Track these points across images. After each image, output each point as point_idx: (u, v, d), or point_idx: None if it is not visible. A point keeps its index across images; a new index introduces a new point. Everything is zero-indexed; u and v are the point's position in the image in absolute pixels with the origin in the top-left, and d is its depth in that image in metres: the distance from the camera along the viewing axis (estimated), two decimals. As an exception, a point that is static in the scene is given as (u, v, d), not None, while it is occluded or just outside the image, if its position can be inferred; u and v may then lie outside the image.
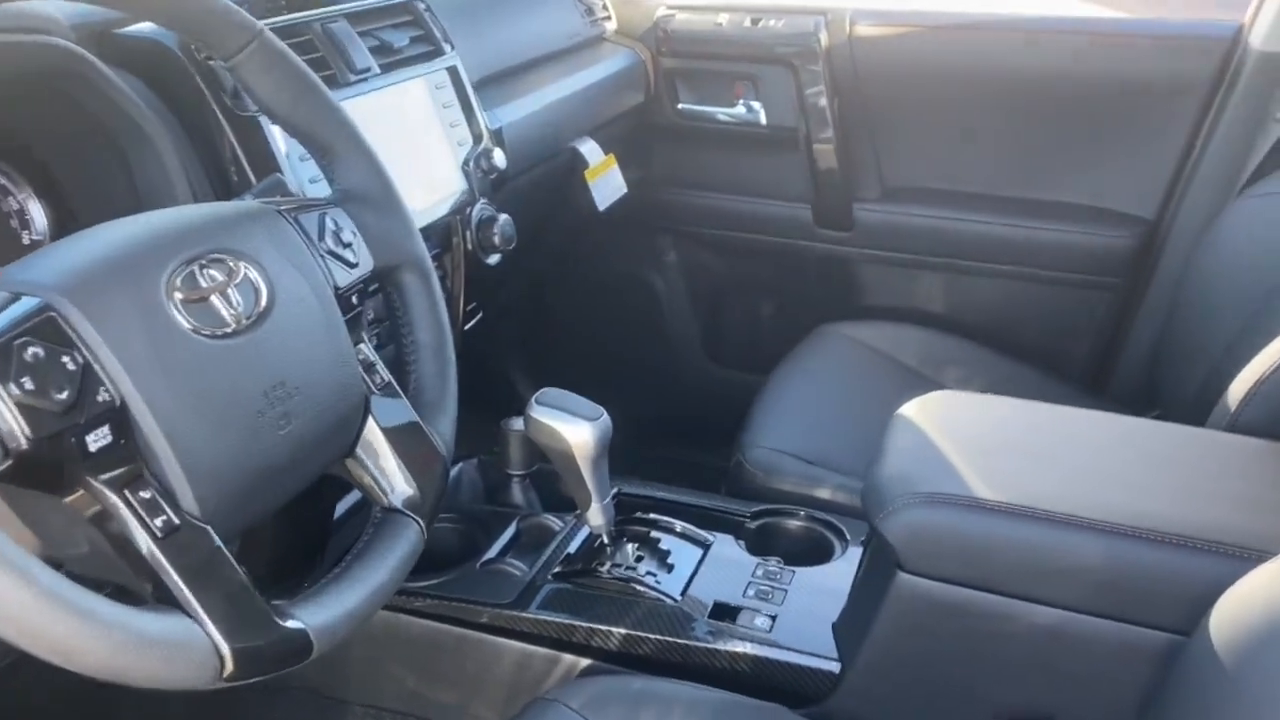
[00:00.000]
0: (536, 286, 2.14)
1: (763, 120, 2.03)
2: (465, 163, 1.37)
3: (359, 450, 0.86)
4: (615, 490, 1.43)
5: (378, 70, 1.25)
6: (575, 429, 1.20)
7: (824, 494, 1.42)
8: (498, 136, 1.48)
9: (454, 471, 1.50)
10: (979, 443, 1.13)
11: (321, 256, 0.84)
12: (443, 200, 1.33)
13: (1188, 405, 1.48)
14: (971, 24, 1.90)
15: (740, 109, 2.04)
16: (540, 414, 1.22)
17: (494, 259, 1.45)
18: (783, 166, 2.04)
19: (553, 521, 1.37)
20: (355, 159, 0.92)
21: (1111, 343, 1.89)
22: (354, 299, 0.87)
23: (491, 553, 1.31)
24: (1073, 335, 1.93)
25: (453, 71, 1.38)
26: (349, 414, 0.83)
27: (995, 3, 2.07)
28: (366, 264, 0.89)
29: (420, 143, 1.30)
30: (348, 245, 0.87)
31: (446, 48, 1.39)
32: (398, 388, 0.91)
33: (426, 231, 1.28)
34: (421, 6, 1.38)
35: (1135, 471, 1.09)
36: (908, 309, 1.99)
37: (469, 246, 1.41)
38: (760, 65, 1.99)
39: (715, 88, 2.06)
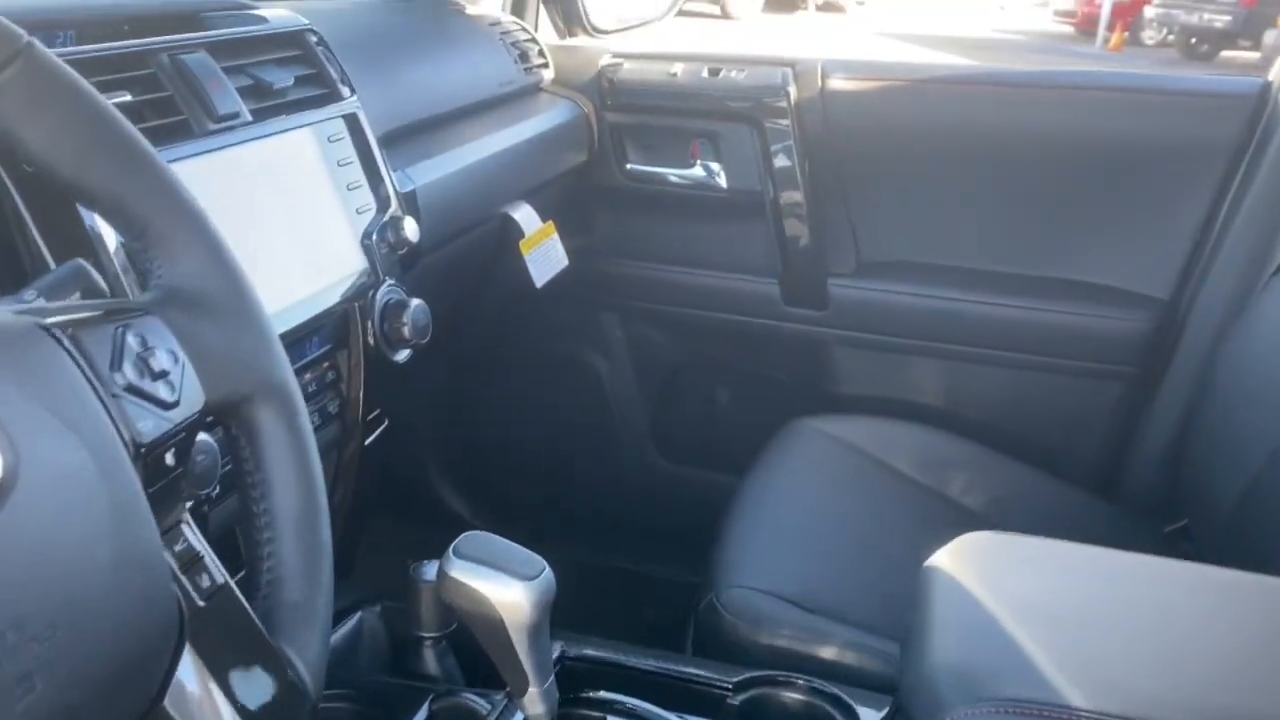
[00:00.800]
0: (456, 376, 1.83)
1: (722, 183, 1.77)
2: (367, 235, 1.08)
3: (169, 704, 0.55)
4: (558, 653, 1.12)
5: (248, 117, 0.95)
6: (507, 591, 0.90)
7: (828, 653, 1.13)
8: (410, 201, 1.19)
9: (351, 623, 1.18)
10: (1045, 610, 0.86)
11: (113, 397, 0.54)
12: (335, 284, 1.03)
13: (1222, 517, 1.25)
14: (962, 77, 1.68)
15: (697, 170, 1.78)
16: (460, 572, 0.92)
17: (403, 355, 1.15)
18: (745, 236, 1.78)
19: (477, 703, 1.06)
20: (183, 241, 0.62)
21: (1126, 440, 1.65)
22: (169, 457, 0.57)
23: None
24: (1081, 431, 1.68)
25: (352, 120, 1.09)
26: (147, 654, 0.52)
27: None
28: (194, 400, 0.59)
29: (305, 210, 1.00)
30: (162, 375, 0.57)
31: (345, 91, 1.10)
32: (238, 593, 0.60)
33: (314, 325, 0.98)
34: (313, 39, 1.09)
35: (1253, 654, 0.82)
36: (892, 401, 1.73)
37: (371, 341, 1.10)
38: (720, 121, 1.74)
39: (668, 146, 1.80)
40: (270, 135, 0.97)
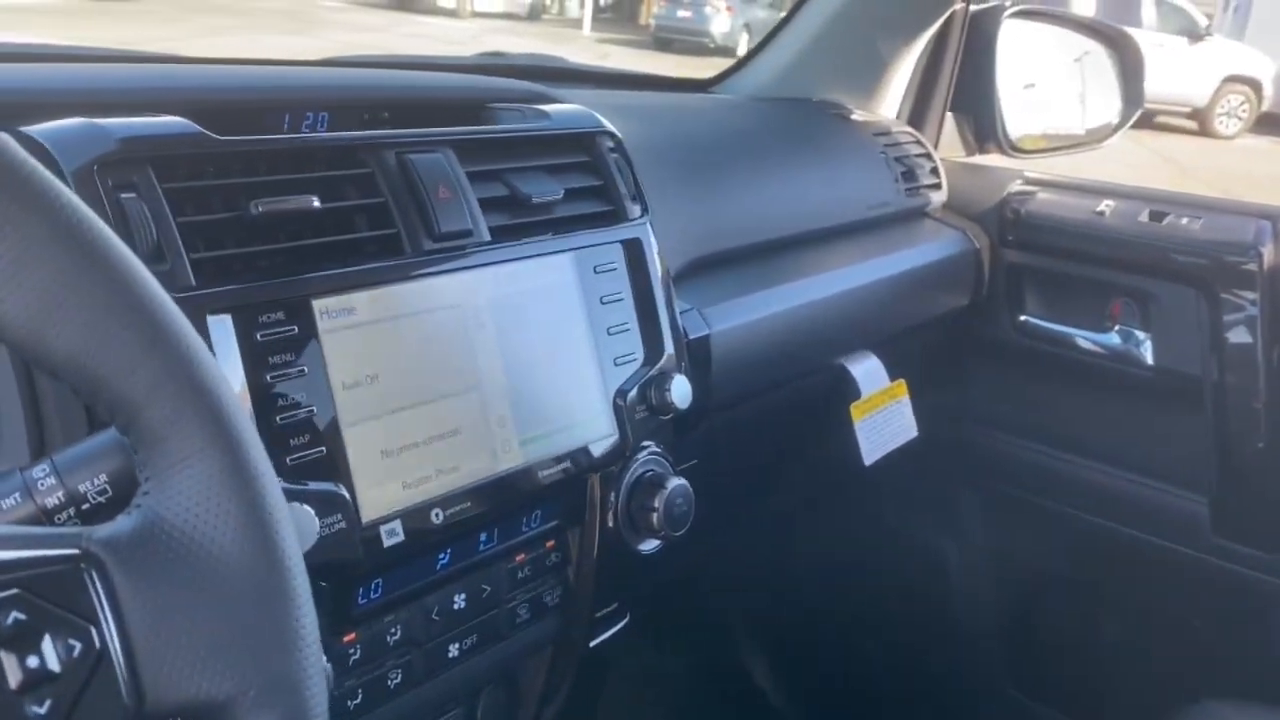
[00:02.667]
0: (758, 534, 1.54)
1: (1148, 358, 1.35)
2: (621, 393, 0.84)
3: None
4: None
5: (485, 235, 0.76)
6: None
7: None
8: (699, 350, 0.94)
9: None
10: None
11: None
12: (571, 447, 0.80)
13: None
14: None
15: (1114, 336, 1.38)
16: None
17: (649, 545, 0.89)
18: (1170, 431, 1.35)
19: None
20: (184, 449, 0.41)
21: None
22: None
23: None
24: None
25: (633, 248, 0.87)
26: None
27: None
28: (100, 710, 0.37)
29: (541, 355, 0.79)
30: (34, 684, 0.36)
31: (633, 210, 0.88)
32: None
33: (536, 495, 0.76)
34: (607, 144, 0.88)
35: None
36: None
37: (610, 523, 0.86)
38: (1156, 280, 1.33)
39: (1080, 301, 1.41)
40: (510, 260, 0.77)
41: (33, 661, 0.35)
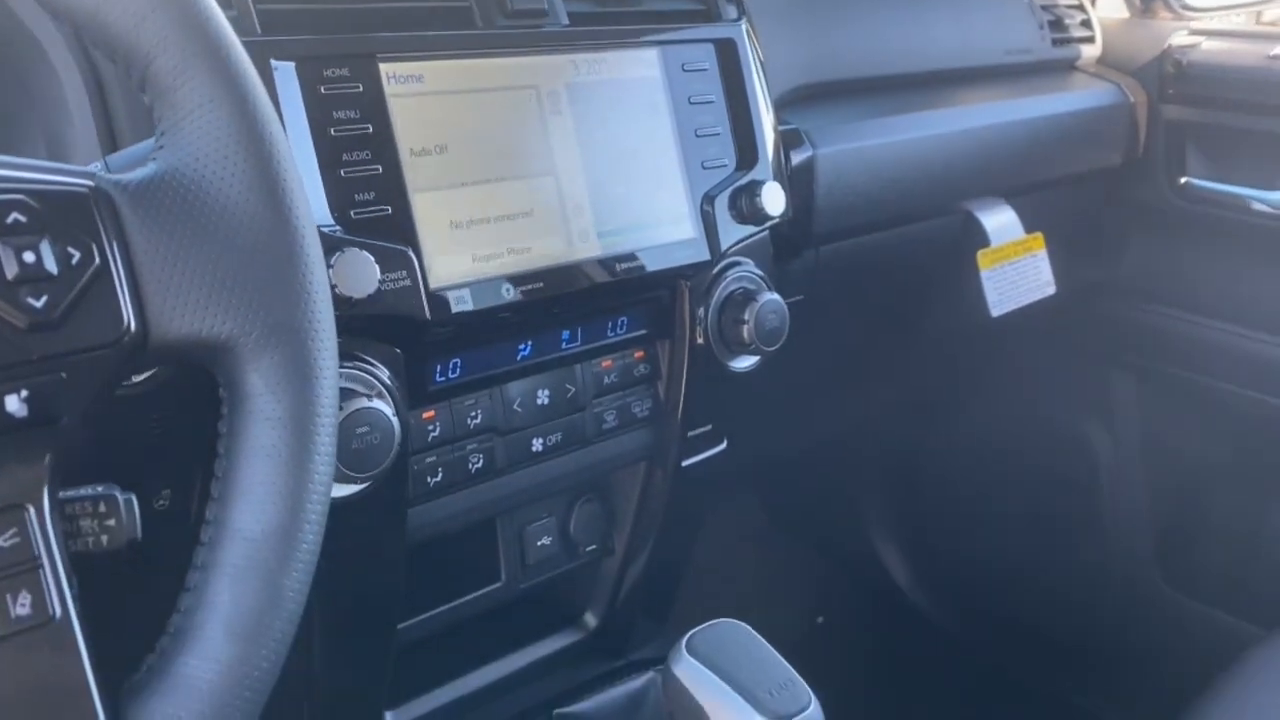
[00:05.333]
0: (896, 413, 1.48)
1: (1328, 218, 1.22)
2: (708, 198, 0.82)
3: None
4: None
5: (563, 19, 0.75)
6: (737, 722, 0.60)
7: None
8: (804, 173, 0.91)
9: (638, 683, 0.94)
10: None
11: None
12: (655, 251, 0.79)
13: None
14: None
15: (1289, 195, 1.25)
16: (686, 673, 0.64)
17: (742, 362, 0.87)
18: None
19: None
20: (194, 98, 0.42)
21: None
22: (11, 400, 0.37)
23: None
24: None
25: (726, 48, 0.84)
26: None
27: None
28: (100, 329, 0.39)
29: (622, 151, 0.77)
30: (33, 279, 0.38)
31: (729, 11, 0.85)
32: (78, 637, 0.38)
33: (618, 297, 0.76)
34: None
35: None
36: None
37: (700, 339, 0.85)
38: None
39: (1252, 159, 1.28)
40: (589, 48, 0.75)
41: (29, 257, 0.37)
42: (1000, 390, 1.48)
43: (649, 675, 0.95)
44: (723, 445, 0.93)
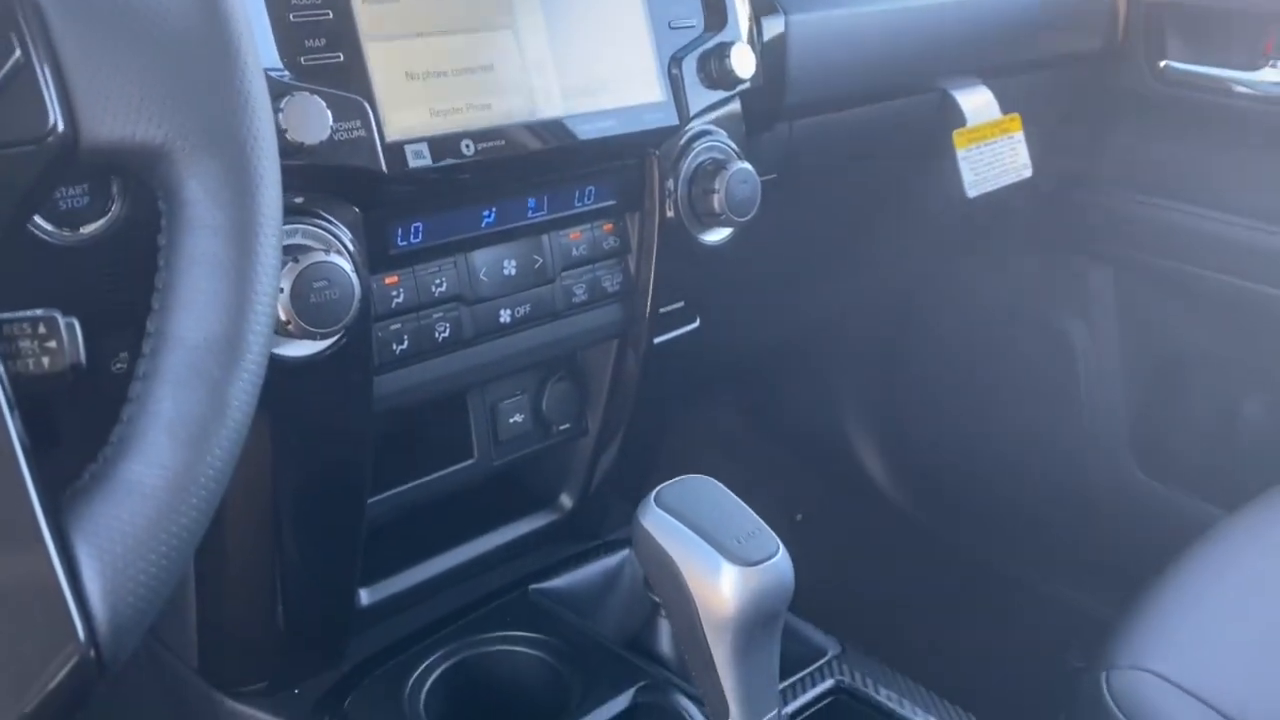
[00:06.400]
0: (869, 313, 1.47)
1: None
2: (676, 60, 0.79)
3: None
4: (830, 685, 0.79)
5: None
6: (708, 571, 0.61)
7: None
8: (775, 46, 0.89)
9: (616, 559, 0.95)
10: None
11: None
12: (621, 116, 0.77)
13: None
14: None
15: (1267, 74, 1.23)
16: (654, 525, 0.63)
17: (714, 235, 0.86)
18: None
19: (690, 712, 0.76)
20: None
21: None
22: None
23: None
24: None
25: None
26: None
27: None
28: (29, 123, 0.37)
29: (586, 8, 0.75)
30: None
31: None
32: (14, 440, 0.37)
33: (583, 163, 0.74)
34: None
35: None
36: None
37: (669, 211, 0.83)
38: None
39: (1232, 40, 1.27)
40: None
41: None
42: (978, 283, 1.48)
43: (624, 553, 0.95)
44: (695, 324, 0.93)
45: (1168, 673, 0.77)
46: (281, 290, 0.60)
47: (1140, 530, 1.37)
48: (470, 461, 0.86)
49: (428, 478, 0.84)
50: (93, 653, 0.36)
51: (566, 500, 0.96)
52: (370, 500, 0.79)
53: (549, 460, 0.95)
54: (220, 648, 0.80)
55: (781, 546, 0.62)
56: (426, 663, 0.80)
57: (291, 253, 0.61)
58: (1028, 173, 1.17)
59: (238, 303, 0.40)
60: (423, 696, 0.78)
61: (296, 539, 0.76)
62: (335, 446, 0.73)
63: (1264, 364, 1.34)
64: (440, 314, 0.75)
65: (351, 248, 0.65)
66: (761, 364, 1.54)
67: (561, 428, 0.91)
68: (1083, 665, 0.82)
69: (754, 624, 0.61)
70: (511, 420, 0.87)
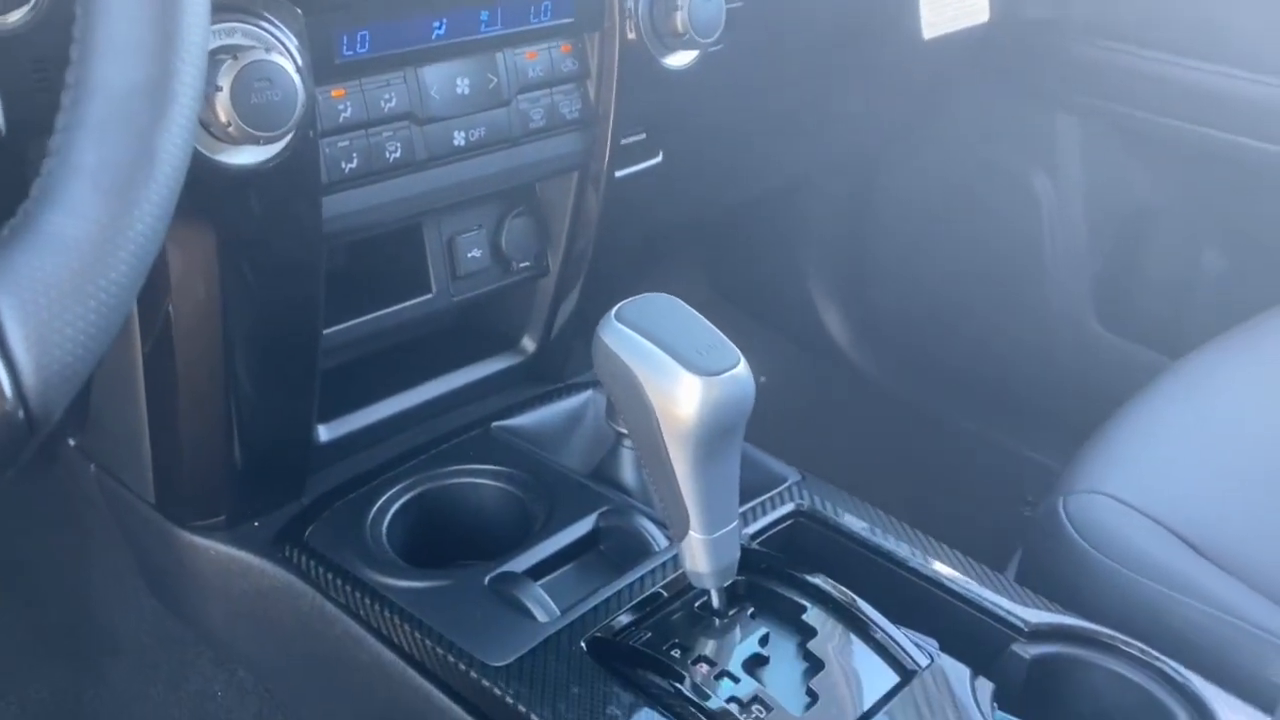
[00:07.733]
0: (827, 157, 1.44)
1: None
2: None
3: None
4: (791, 510, 0.79)
5: None
6: (668, 381, 0.59)
7: (1197, 619, 0.69)
8: None
9: (580, 398, 0.94)
10: None
11: None
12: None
13: None
14: None
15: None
16: (614, 339, 0.62)
17: (678, 59, 0.83)
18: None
19: (650, 534, 0.77)
20: None
21: None
22: None
23: (518, 563, 0.74)
24: None
25: None
26: None
27: None
28: None
29: None
30: None
31: None
32: None
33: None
34: None
35: None
36: None
37: (630, 32, 0.80)
38: None
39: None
40: None
41: None
42: (944, 138, 1.45)
43: (587, 393, 0.95)
44: (658, 158, 0.90)
45: (1121, 494, 0.78)
46: (220, 89, 0.57)
47: (1096, 382, 1.39)
48: (428, 296, 0.84)
49: (385, 310, 0.82)
50: (21, 411, 0.34)
51: (529, 343, 0.95)
52: (327, 331, 0.77)
53: (510, 301, 0.93)
54: (177, 482, 0.79)
55: (742, 358, 0.61)
56: (388, 494, 0.79)
57: (230, 51, 0.58)
58: (985, 16, 1.14)
59: (164, 49, 0.37)
60: (384, 527, 0.77)
61: (249, 369, 0.74)
62: (285, 271, 0.71)
63: (1228, 214, 1.33)
64: (390, 132, 0.72)
65: (294, 50, 0.61)
66: (726, 221, 1.52)
67: (522, 265, 0.89)
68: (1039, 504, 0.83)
69: (714, 435, 0.61)
70: (470, 254, 0.85)
